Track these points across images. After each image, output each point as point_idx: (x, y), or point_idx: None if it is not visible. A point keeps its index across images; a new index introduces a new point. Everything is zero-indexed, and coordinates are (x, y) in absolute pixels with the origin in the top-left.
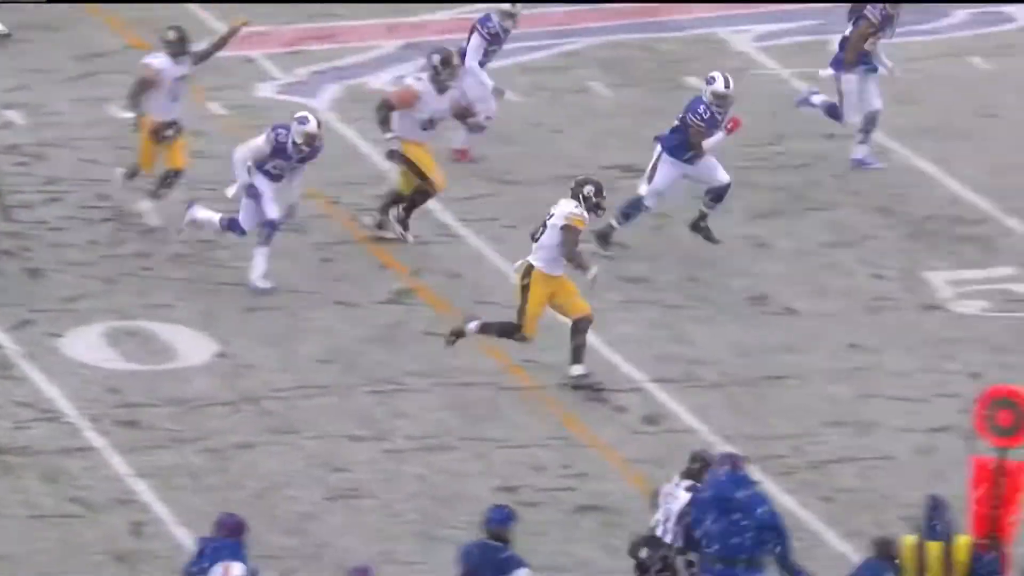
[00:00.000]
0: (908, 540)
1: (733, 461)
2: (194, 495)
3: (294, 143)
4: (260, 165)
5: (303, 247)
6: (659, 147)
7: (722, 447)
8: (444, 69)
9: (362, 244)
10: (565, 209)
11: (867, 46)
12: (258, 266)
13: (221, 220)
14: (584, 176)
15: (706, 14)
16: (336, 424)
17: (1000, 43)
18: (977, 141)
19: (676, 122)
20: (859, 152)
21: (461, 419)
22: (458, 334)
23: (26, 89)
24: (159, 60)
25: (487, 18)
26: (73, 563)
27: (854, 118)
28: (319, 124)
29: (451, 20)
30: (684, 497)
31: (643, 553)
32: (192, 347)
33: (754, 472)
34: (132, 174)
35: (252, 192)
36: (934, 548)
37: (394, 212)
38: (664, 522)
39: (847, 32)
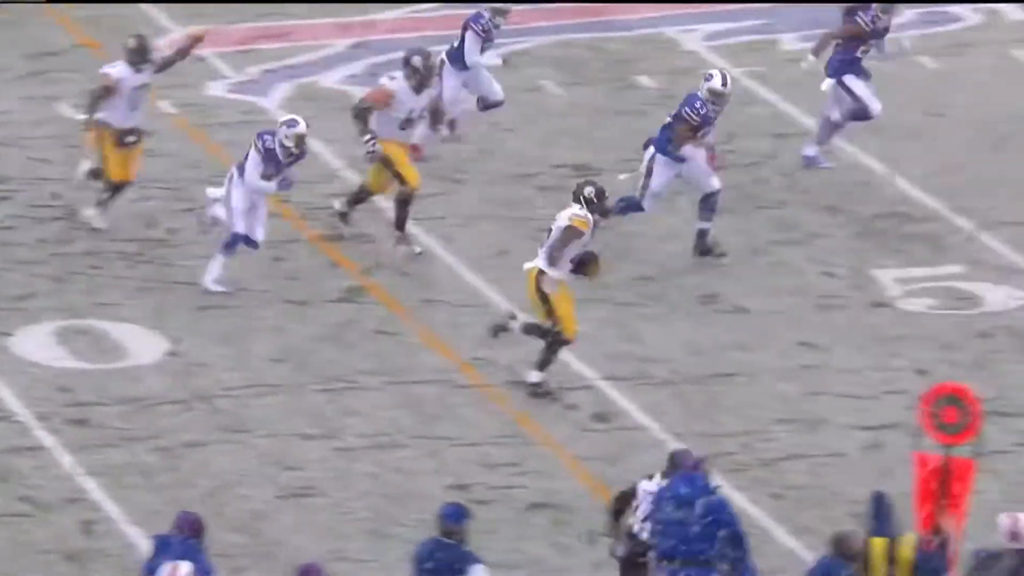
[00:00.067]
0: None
1: (694, 462)
2: (145, 494)
3: (283, 146)
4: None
5: None
6: (651, 149)
7: (673, 445)
8: (425, 69)
9: (314, 243)
10: (570, 211)
11: (859, 53)
12: (213, 270)
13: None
14: (584, 180)
15: (653, 14)
16: (288, 423)
17: (948, 43)
18: (926, 140)
19: (668, 119)
20: (810, 149)
21: (413, 417)
22: (501, 329)
23: None
24: (117, 69)
25: (479, 15)
26: (23, 562)
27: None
28: (307, 125)
29: (402, 19)
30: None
31: (619, 551)
32: (143, 345)
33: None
34: (96, 175)
35: (227, 203)
36: (878, 544)
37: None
38: (641, 520)
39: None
